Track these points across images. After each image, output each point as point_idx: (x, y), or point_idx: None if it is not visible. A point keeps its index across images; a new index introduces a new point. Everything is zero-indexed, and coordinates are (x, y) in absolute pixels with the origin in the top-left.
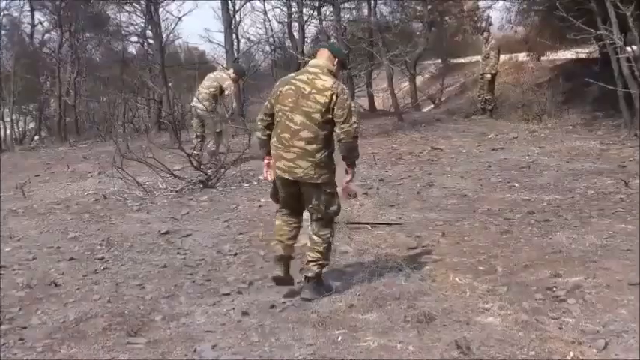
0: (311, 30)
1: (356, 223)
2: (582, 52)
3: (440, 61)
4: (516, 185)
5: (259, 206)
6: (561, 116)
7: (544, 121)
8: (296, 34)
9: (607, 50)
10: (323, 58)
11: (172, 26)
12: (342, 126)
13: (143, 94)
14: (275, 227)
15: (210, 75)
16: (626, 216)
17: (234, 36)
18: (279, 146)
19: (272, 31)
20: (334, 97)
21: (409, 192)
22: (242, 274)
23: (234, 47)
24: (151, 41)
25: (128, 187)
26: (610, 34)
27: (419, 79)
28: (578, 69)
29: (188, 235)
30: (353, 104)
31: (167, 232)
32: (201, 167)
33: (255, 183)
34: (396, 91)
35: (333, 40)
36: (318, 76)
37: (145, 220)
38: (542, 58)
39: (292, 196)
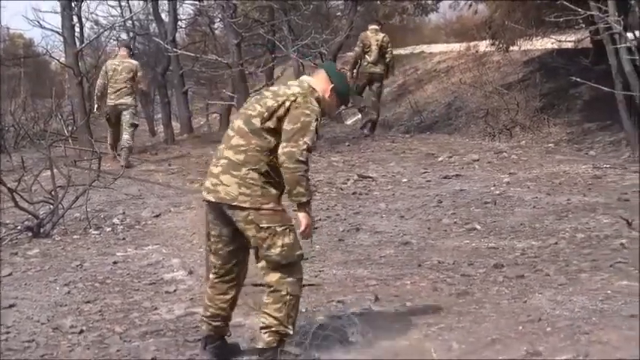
0: (186, 9)
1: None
2: (567, 41)
3: None
4: (478, 227)
5: (114, 262)
6: (539, 129)
7: (515, 137)
8: (165, 16)
9: (601, 37)
10: (315, 77)
11: None
12: (284, 144)
13: None
14: (205, 297)
15: (115, 66)
16: (630, 268)
17: (75, 18)
18: (213, 160)
19: (130, 11)
20: (287, 103)
21: (328, 239)
22: None
23: (76, 34)
24: None
25: None
26: (605, 15)
27: None
28: (561, 63)
29: (11, 306)
30: (314, 125)
31: None
32: (31, 206)
33: (109, 229)
34: None
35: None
36: (290, 86)
37: None
38: (511, 48)
39: (226, 238)
